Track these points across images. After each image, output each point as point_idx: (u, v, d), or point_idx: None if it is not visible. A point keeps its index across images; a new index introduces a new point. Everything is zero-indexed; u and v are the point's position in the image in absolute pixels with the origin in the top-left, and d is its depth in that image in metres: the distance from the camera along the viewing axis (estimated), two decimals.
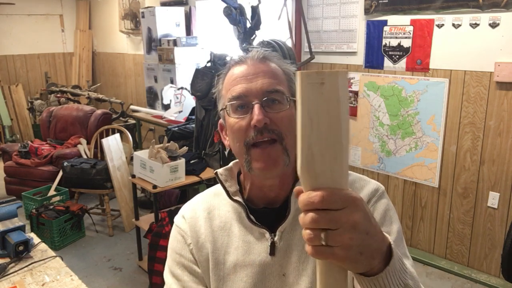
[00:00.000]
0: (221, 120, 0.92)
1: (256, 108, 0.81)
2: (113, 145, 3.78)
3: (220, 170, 0.94)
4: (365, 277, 0.57)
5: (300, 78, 0.52)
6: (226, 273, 0.88)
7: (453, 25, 2.78)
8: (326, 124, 0.52)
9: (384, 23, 3.12)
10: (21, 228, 1.82)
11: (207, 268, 0.90)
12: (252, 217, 0.88)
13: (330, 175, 0.52)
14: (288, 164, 0.83)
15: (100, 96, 5.57)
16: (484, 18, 2.63)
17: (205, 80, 3.35)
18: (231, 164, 0.96)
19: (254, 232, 0.88)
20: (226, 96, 0.87)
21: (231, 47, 4.00)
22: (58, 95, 6.04)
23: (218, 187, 0.97)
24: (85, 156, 4.19)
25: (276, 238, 0.86)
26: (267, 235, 0.86)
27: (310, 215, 0.51)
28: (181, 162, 2.89)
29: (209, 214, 0.93)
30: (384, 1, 3.08)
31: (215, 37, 4.69)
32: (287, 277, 0.85)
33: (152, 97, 4.81)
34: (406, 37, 3.02)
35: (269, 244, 0.86)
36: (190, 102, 4.21)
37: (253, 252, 0.87)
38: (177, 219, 0.97)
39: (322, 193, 0.50)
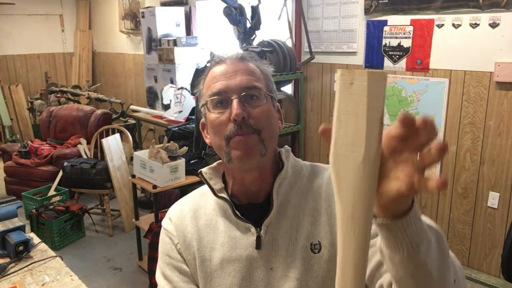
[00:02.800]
0: (202, 119, 0.95)
1: (235, 102, 0.83)
2: (113, 145, 3.78)
3: (204, 169, 0.96)
4: (400, 219, 0.53)
5: (336, 76, 0.52)
6: (213, 269, 0.89)
7: (453, 25, 2.78)
8: (353, 126, 0.50)
9: (384, 23, 3.12)
10: (21, 228, 1.82)
11: (194, 266, 0.92)
12: (237, 212, 0.90)
13: (353, 178, 0.51)
14: (265, 154, 0.85)
15: (100, 96, 5.57)
16: (484, 18, 2.63)
17: None
18: (215, 163, 0.97)
19: (239, 227, 0.89)
20: (206, 94, 0.89)
21: (231, 47, 4.00)
22: (58, 95, 6.04)
23: (204, 187, 0.99)
24: (85, 156, 4.19)
25: (261, 232, 0.87)
26: (253, 229, 0.88)
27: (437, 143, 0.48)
28: (181, 162, 2.89)
29: (195, 214, 0.95)
30: (384, 1, 3.08)
31: (215, 37, 4.69)
32: (275, 270, 0.86)
33: (152, 97, 4.81)
34: (406, 37, 3.02)
35: (255, 238, 0.87)
36: (190, 102, 4.21)
37: (240, 247, 0.88)
38: (164, 222, 0.99)
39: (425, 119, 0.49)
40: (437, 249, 0.59)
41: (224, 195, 0.91)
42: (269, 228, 0.88)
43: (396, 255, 0.56)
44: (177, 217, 0.97)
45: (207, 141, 0.94)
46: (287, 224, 0.88)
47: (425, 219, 0.61)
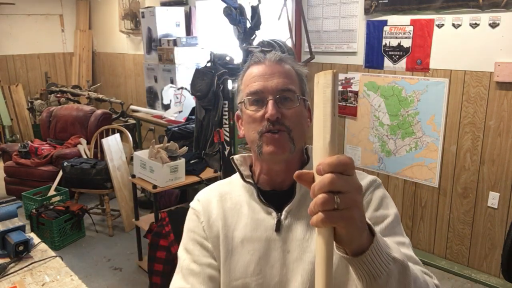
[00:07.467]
0: (238, 112, 1.04)
1: (270, 103, 0.92)
2: (113, 145, 3.78)
3: (236, 156, 1.06)
4: (356, 257, 0.64)
5: None
6: (234, 246, 0.97)
7: (453, 25, 2.78)
8: (318, 120, 0.61)
9: (384, 23, 3.12)
10: (21, 228, 1.82)
11: (217, 244, 0.99)
12: (261, 197, 0.98)
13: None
14: (293, 151, 0.94)
15: (100, 96, 5.57)
16: (484, 18, 2.63)
17: (205, 80, 3.34)
18: (245, 154, 1.08)
19: (262, 211, 0.98)
20: (244, 91, 0.98)
21: (231, 47, 4.00)
22: (58, 95, 6.04)
23: (231, 177, 1.09)
24: (85, 156, 4.19)
25: (282, 217, 0.95)
26: (274, 213, 0.96)
27: (329, 176, 0.57)
28: (181, 162, 2.89)
29: (222, 198, 1.04)
30: (384, 1, 3.08)
31: (215, 37, 4.69)
32: (291, 253, 0.93)
33: (152, 97, 4.81)
34: (406, 37, 3.02)
35: (275, 221, 0.95)
36: (190, 102, 4.21)
37: (260, 229, 0.96)
38: (192, 203, 1.08)
39: (342, 159, 0.58)
40: (398, 281, 0.68)
41: (250, 180, 1.01)
42: (290, 214, 0.95)
43: (359, 282, 0.67)
44: (205, 199, 1.05)
45: (240, 132, 1.04)
46: (307, 213, 0.93)
47: (394, 249, 0.69)
